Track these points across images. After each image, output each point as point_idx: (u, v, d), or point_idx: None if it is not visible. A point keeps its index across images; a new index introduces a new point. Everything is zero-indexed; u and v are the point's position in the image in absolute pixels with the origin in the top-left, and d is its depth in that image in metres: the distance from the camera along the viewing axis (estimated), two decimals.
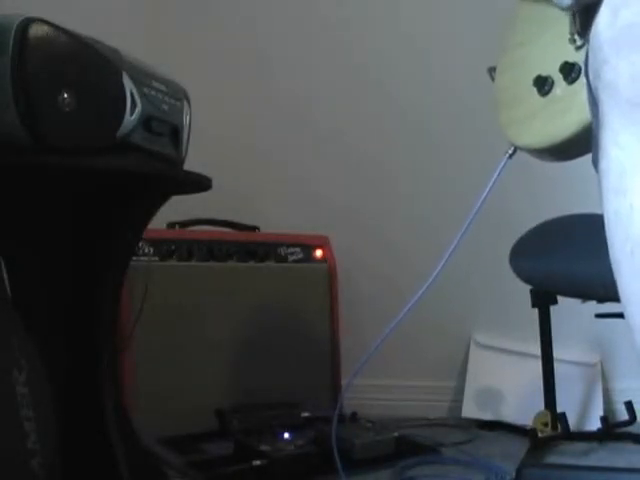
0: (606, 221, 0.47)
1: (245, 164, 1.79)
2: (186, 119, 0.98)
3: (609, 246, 0.47)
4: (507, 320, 1.61)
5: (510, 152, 0.91)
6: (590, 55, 0.50)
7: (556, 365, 1.32)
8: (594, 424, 1.38)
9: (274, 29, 1.84)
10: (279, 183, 1.80)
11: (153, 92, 0.89)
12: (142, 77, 0.87)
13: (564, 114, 0.76)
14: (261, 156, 1.81)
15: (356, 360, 1.62)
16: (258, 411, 1.38)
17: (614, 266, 0.46)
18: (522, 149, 0.88)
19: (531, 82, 0.82)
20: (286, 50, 1.82)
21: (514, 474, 1.07)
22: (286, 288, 1.54)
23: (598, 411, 1.46)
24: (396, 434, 1.28)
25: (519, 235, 1.14)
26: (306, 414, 1.41)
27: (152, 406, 1.30)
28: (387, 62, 1.74)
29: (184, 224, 1.52)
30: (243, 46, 1.83)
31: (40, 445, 0.72)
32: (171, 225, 1.50)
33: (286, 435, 1.26)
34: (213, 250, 1.48)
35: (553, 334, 1.32)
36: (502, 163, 0.92)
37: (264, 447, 1.17)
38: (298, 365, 1.51)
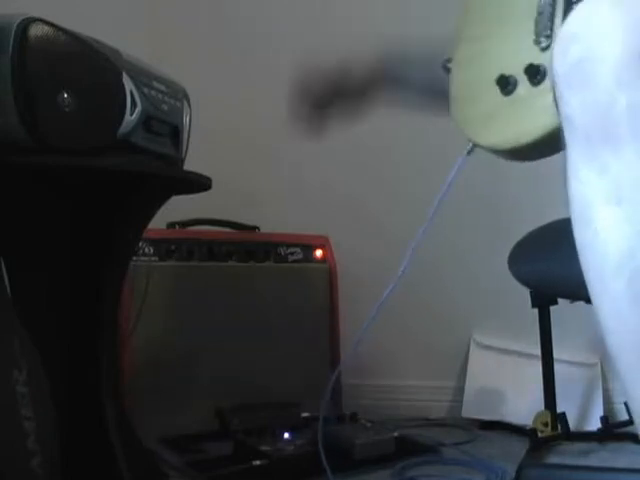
0: (577, 248, 0.47)
1: (245, 164, 1.79)
2: (186, 119, 0.98)
3: (583, 272, 0.47)
4: (507, 320, 1.61)
5: (468, 149, 0.90)
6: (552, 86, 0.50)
7: (556, 365, 1.32)
8: (594, 424, 1.38)
9: (274, 29, 1.84)
10: (279, 183, 1.79)
11: (153, 92, 0.89)
12: (142, 77, 0.87)
13: (529, 117, 0.74)
14: (261, 156, 1.81)
15: (356, 360, 1.62)
16: (258, 411, 1.38)
17: (589, 290, 0.47)
18: (481, 148, 0.87)
19: (493, 80, 0.80)
20: (286, 50, 1.82)
21: (514, 474, 1.07)
22: (286, 288, 1.54)
23: (598, 411, 1.46)
24: (396, 434, 1.28)
25: (520, 234, 1.14)
26: (306, 414, 1.40)
27: (152, 406, 1.30)
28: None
29: (184, 224, 1.51)
30: (243, 46, 1.83)
31: (40, 445, 0.72)
32: (171, 225, 1.50)
33: (286, 435, 1.26)
34: (213, 250, 1.48)
35: (553, 334, 1.32)
36: (460, 160, 0.91)
37: (264, 447, 1.17)
38: (298, 365, 1.51)
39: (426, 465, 1.22)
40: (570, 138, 0.47)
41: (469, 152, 0.89)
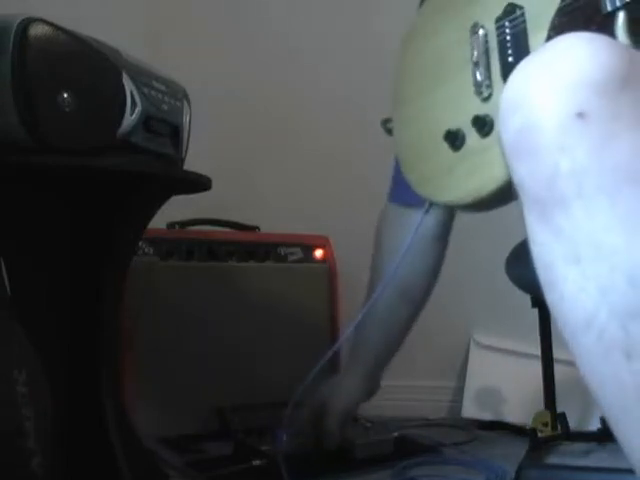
0: (548, 306, 0.48)
1: (245, 164, 1.79)
2: (186, 119, 0.98)
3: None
4: (507, 320, 1.61)
5: (427, 208, 0.90)
6: None
7: (556, 365, 1.32)
8: (594, 424, 1.38)
9: (274, 29, 1.84)
10: (279, 183, 1.80)
11: (153, 92, 0.89)
12: (142, 77, 0.87)
13: (485, 169, 0.73)
14: (261, 156, 1.81)
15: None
16: (258, 411, 1.38)
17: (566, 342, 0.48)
18: (440, 204, 0.87)
19: (441, 137, 0.79)
20: (286, 49, 1.82)
21: (514, 474, 1.07)
22: (286, 288, 1.54)
23: (598, 411, 1.45)
24: (396, 434, 1.28)
25: (521, 234, 1.14)
26: None
27: (152, 406, 1.30)
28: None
29: (184, 224, 1.51)
30: (243, 46, 1.83)
31: (40, 445, 0.72)
32: (171, 225, 1.50)
33: (286, 435, 1.26)
34: (213, 250, 1.48)
35: (553, 334, 1.32)
36: (419, 219, 0.91)
37: (264, 447, 1.17)
38: (298, 365, 1.51)
39: (426, 465, 1.22)
40: (524, 203, 0.48)
41: (427, 210, 0.90)
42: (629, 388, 0.42)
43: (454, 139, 0.77)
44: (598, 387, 0.45)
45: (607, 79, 0.44)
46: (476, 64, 0.77)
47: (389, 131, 0.95)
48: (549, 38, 0.69)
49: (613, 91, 0.44)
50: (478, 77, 0.76)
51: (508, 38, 0.75)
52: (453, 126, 0.78)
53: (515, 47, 0.74)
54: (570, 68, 0.45)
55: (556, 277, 0.46)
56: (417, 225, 0.91)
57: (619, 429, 0.45)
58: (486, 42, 0.78)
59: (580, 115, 0.44)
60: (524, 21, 0.73)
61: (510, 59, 0.75)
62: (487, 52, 0.77)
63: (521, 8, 0.74)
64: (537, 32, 0.72)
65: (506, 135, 0.48)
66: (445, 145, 0.78)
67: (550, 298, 0.48)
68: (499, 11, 0.76)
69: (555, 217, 0.45)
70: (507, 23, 0.75)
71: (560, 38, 0.49)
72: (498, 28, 0.76)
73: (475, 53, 0.78)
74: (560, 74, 0.45)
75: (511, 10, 0.74)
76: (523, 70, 0.49)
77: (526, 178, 0.47)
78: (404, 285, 1.12)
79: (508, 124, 0.48)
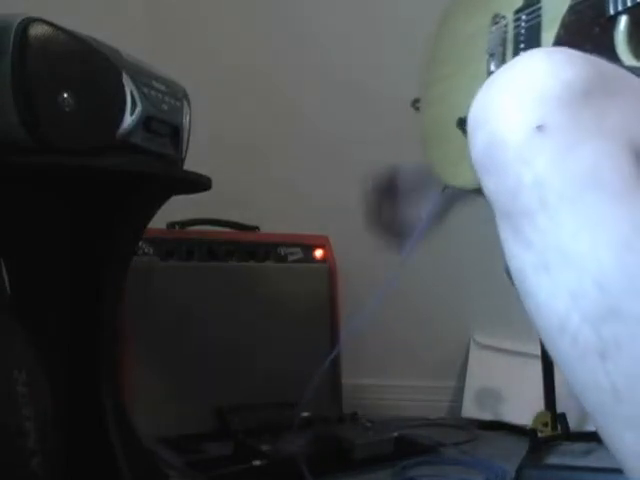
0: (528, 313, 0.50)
1: (245, 164, 1.79)
2: (186, 119, 0.98)
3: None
4: (507, 320, 1.61)
5: (443, 187, 0.91)
6: None
7: (556, 365, 1.32)
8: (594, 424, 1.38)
9: (274, 28, 1.84)
10: (279, 183, 1.79)
11: (153, 92, 0.89)
12: (142, 77, 0.87)
13: None
14: (261, 156, 1.81)
15: (356, 360, 1.62)
16: (258, 411, 1.38)
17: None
18: (451, 187, 0.88)
19: (454, 123, 0.81)
20: (286, 49, 1.82)
21: (514, 474, 1.07)
22: (286, 288, 1.54)
23: None
24: (396, 434, 1.28)
25: None
26: (306, 414, 1.40)
27: (152, 406, 1.30)
28: (386, 71, 1.74)
29: (184, 224, 1.51)
30: (243, 46, 1.83)
31: (40, 445, 0.72)
32: (171, 225, 1.50)
33: (286, 435, 1.26)
34: (213, 250, 1.48)
35: None
36: (435, 196, 0.92)
37: (264, 447, 1.17)
38: (298, 365, 1.51)
39: (426, 465, 1.22)
40: (496, 216, 0.50)
41: (444, 189, 0.90)
42: (606, 389, 0.43)
43: (465, 127, 0.79)
44: (579, 391, 0.47)
45: (565, 92, 0.45)
46: (492, 55, 0.78)
47: (417, 110, 0.96)
48: (558, 36, 0.69)
49: (573, 104, 0.45)
50: (492, 68, 0.77)
51: (523, 31, 0.75)
52: (465, 114, 0.79)
53: (528, 41, 0.74)
54: (530, 83, 0.47)
55: (530, 286, 0.47)
56: (433, 202, 0.91)
57: (602, 431, 0.46)
58: (504, 33, 0.78)
59: (540, 128, 0.45)
60: (539, 15, 0.74)
61: (522, 53, 0.75)
62: (504, 43, 0.78)
63: (539, 2, 0.74)
64: (550, 28, 0.72)
65: (474, 151, 0.50)
66: (458, 132, 0.80)
67: (527, 306, 0.49)
68: (520, 3, 0.76)
69: (523, 228, 0.46)
70: (524, 16, 0.76)
71: (523, 54, 0.51)
72: (515, 20, 0.77)
73: (492, 44, 0.78)
74: (520, 90, 0.47)
75: (530, 3, 0.75)
76: (487, 87, 0.51)
77: (494, 192, 0.49)
78: None
79: (475, 140, 0.50)
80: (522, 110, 0.46)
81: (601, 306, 0.42)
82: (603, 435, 0.47)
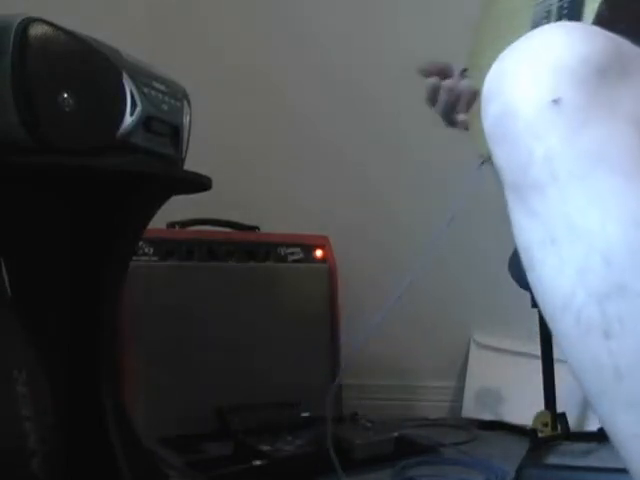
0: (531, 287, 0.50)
1: (245, 164, 1.79)
2: (186, 119, 0.98)
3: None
4: (507, 320, 1.61)
5: (480, 163, 0.90)
6: None
7: (556, 365, 1.32)
8: (594, 424, 1.38)
9: (274, 28, 1.84)
10: (279, 183, 1.80)
11: (153, 92, 0.89)
12: (142, 77, 0.87)
13: None
14: (261, 156, 1.81)
15: (355, 361, 1.62)
16: (258, 411, 1.38)
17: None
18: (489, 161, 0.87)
19: None
20: (286, 49, 1.82)
21: (514, 474, 1.07)
22: (286, 288, 1.54)
23: None
24: (396, 434, 1.28)
25: None
26: (306, 414, 1.40)
27: (152, 406, 1.30)
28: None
29: (184, 224, 1.51)
30: (243, 46, 1.83)
31: (40, 445, 0.72)
32: (171, 225, 1.50)
33: (286, 435, 1.26)
34: (213, 250, 1.48)
35: (553, 334, 1.32)
36: (474, 170, 0.91)
37: (264, 447, 1.17)
38: (298, 365, 1.51)
39: (426, 465, 1.22)
40: (505, 188, 0.50)
41: (482, 164, 0.90)
42: (607, 368, 0.43)
43: None
44: (579, 369, 0.46)
45: (582, 68, 0.45)
46: (534, 27, 0.78)
47: (465, 78, 0.96)
48: (599, 10, 0.69)
49: (589, 80, 0.45)
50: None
51: (566, 5, 0.75)
52: None
53: (570, 14, 0.74)
54: (547, 56, 0.47)
55: (534, 260, 0.47)
56: (470, 178, 0.91)
57: (599, 412, 0.46)
58: (549, 6, 0.78)
59: (555, 102, 0.45)
60: None
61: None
62: (548, 17, 0.77)
63: None
64: (592, 2, 0.71)
65: (486, 121, 0.50)
66: None
67: (531, 281, 0.49)
68: None
69: (532, 201, 0.46)
70: None
71: (540, 28, 0.50)
72: None
73: (536, 17, 0.78)
74: (537, 62, 0.47)
75: None
76: (503, 59, 0.50)
77: (504, 163, 0.48)
78: None
79: (488, 111, 0.49)
80: (537, 83, 0.46)
81: (607, 282, 0.42)
82: (600, 417, 0.47)
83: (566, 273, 0.44)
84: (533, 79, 0.46)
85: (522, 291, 1.22)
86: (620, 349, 0.42)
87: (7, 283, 0.86)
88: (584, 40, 0.46)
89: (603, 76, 0.45)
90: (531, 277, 0.48)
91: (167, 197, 0.99)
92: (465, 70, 0.97)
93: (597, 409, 0.46)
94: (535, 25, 0.79)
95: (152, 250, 1.39)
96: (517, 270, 1.10)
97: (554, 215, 0.45)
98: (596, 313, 0.43)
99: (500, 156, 0.49)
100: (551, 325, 0.48)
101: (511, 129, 0.47)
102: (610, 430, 0.46)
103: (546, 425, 1.24)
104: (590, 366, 0.45)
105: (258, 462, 1.13)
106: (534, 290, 0.48)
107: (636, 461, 0.45)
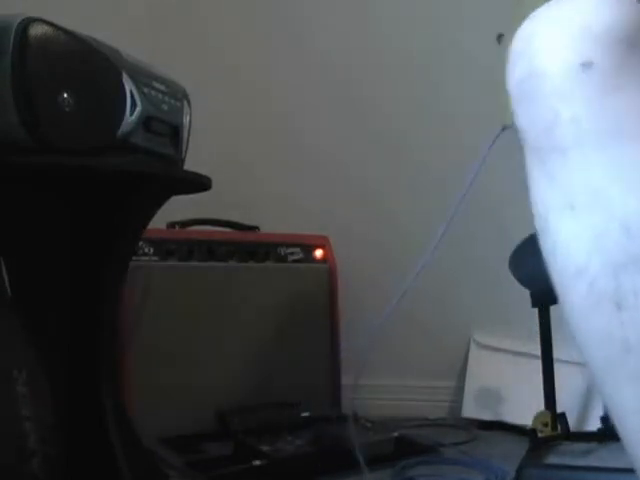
0: (543, 254, 0.49)
1: (245, 164, 1.79)
2: (186, 119, 0.98)
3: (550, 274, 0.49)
4: (507, 320, 1.61)
5: (501, 129, 0.89)
6: None
7: (556, 365, 1.32)
8: (594, 424, 1.38)
9: (274, 28, 1.84)
10: (279, 183, 1.80)
11: (153, 92, 0.89)
12: (142, 77, 0.87)
13: None
14: (261, 156, 1.81)
15: (354, 360, 1.62)
16: (258, 411, 1.38)
17: (556, 291, 0.49)
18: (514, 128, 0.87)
19: None
20: (286, 49, 1.82)
21: (514, 474, 1.07)
22: (286, 288, 1.54)
23: (598, 411, 1.45)
24: (396, 434, 1.28)
25: (521, 235, 1.14)
26: (306, 414, 1.40)
27: (152, 406, 1.30)
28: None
29: (184, 224, 1.51)
30: (243, 46, 1.83)
31: (40, 445, 0.72)
32: (171, 225, 1.50)
33: (286, 435, 1.26)
34: (213, 250, 1.48)
35: (553, 334, 1.32)
36: (495, 133, 0.90)
37: (264, 447, 1.17)
38: (298, 365, 1.51)
39: (426, 465, 1.22)
40: (525, 148, 0.49)
41: (503, 129, 0.89)
42: (616, 339, 0.42)
43: None
44: (586, 339, 0.45)
45: (614, 34, 0.44)
46: None
47: (500, 43, 0.96)
48: None
49: (619, 47, 0.44)
50: None
51: None
52: None
53: None
54: (578, 20, 0.46)
55: (551, 224, 0.46)
56: (494, 140, 0.90)
57: (602, 386, 0.45)
58: None
59: (584, 65, 0.44)
60: None
61: None
62: None
63: None
64: None
65: (512, 80, 0.49)
66: None
67: (544, 247, 0.48)
68: None
69: (553, 165, 0.46)
70: None
71: None
72: None
73: None
74: (568, 25, 0.46)
75: None
76: (531, 21, 0.50)
77: (527, 124, 0.48)
78: None
79: (514, 70, 0.49)
80: (567, 45, 0.45)
81: (625, 252, 0.41)
82: (603, 392, 0.46)
83: (583, 240, 0.43)
84: (563, 41, 0.46)
85: (522, 291, 1.22)
86: (632, 321, 0.41)
87: (7, 283, 0.86)
88: (615, 8, 0.46)
89: (632, 44, 0.44)
90: (546, 243, 0.47)
91: (167, 197, 0.99)
92: (501, 35, 0.97)
93: (601, 383, 0.46)
94: None
95: (152, 250, 1.39)
96: (518, 268, 1.10)
97: (575, 180, 0.44)
98: (610, 283, 0.42)
99: (523, 116, 0.48)
100: (562, 294, 0.47)
101: (537, 88, 0.46)
102: (612, 406, 0.45)
103: (546, 425, 1.23)
104: (598, 337, 0.44)
105: (258, 462, 1.13)
106: (546, 257, 0.47)
107: (636, 436, 0.44)
